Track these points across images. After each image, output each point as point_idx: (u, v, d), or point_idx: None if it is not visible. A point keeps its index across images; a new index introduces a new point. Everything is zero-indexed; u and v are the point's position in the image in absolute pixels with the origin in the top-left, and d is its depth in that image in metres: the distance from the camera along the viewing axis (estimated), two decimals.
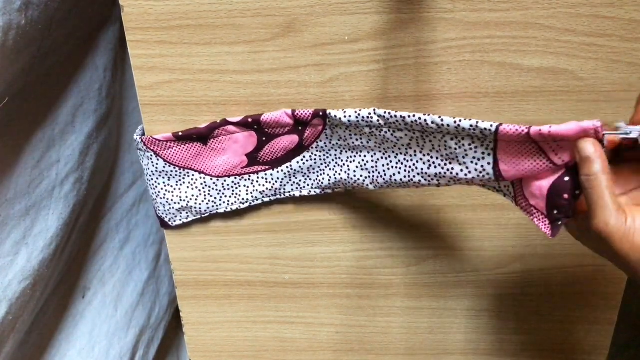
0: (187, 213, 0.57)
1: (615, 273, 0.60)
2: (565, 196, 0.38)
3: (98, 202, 0.71)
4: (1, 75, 0.47)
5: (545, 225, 0.40)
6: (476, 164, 0.41)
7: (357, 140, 0.49)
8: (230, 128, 0.52)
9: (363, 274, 0.62)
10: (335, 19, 0.48)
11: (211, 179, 0.55)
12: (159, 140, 0.52)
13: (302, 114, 0.50)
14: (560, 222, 0.39)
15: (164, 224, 0.58)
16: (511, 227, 0.58)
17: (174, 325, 0.92)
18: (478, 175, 0.42)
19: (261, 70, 0.50)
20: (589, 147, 0.36)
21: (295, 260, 0.61)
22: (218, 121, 0.52)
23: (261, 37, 0.49)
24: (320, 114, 0.49)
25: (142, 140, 0.53)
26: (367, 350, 0.67)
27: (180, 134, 0.52)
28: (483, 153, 0.41)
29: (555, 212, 0.39)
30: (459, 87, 0.51)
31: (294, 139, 0.52)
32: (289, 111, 0.51)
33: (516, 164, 0.39)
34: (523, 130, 0.38)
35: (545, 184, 0.39)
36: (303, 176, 0.54)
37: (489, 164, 0.41)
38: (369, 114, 0.46)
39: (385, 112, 0.45)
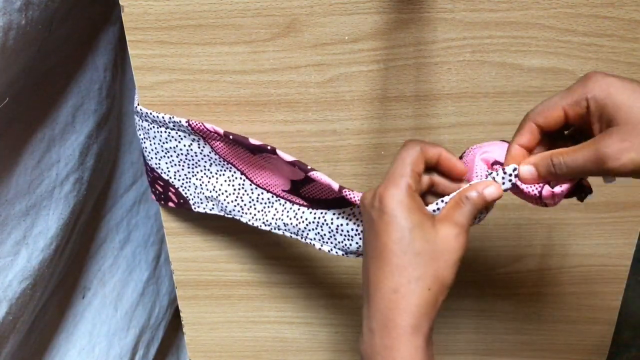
0: (212, 204, 0.56)
1: (615, 273, 0.60)
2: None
3: (98, 202, 0.71)
4: (1, 75, 0.47)
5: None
6: None
7: None
8: (278, 157, 0.49)
9: None
10: (335, 19, 0.48)
11: (250, 185, 0.53)
12: (209, 130, 0.51)
13: (350, 196, 0.46)
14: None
15: (184, 204, 0.56)
16: (511, 227, 0.58)
17: (174, 325, 0.92)
18: None
19: (261, 70, 0.50)
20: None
21: (295, 260, 0.61)
22: (269, 147, 0.49)
23: (261, 37, 0.49)
24: None
25: (189, 124, 0.51)
26: None
27: (231, 137, 0.50)
28: None
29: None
30: (459, 87, 0.51)
31: (337, 195, 0.49)
32: (336, 186, 0.46)
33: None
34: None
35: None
36: (330, 231, 0.51)
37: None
38: None
39: None
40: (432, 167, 0.40)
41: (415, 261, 0.35)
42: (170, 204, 0.57)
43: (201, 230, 0.60)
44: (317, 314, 0.65)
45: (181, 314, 0.65)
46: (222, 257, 0.61)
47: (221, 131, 0.50)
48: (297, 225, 0.52)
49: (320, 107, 0.52)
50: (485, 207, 0.38)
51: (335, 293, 0.63)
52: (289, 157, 0.49)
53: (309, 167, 0.48)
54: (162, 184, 0.56)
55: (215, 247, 0.61)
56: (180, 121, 0.51)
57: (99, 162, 0.67)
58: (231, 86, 0.51)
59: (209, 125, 0.51)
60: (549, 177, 0.37)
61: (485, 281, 0.62)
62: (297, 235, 0.53)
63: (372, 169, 0.55)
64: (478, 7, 0.47)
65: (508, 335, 0.65)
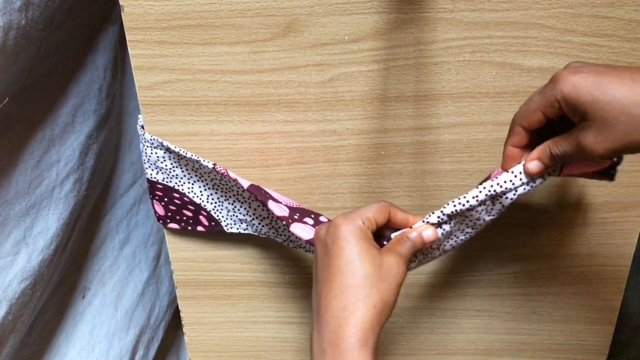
0: (246, 225, 0.56)
1: (615, 273, 0.60)
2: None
3: (98, 202, 0.71)
4: (1, 75, 0.47)
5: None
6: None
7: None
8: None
9: None
10: (335, 19, 0.48)
11: None
12: (231, 178, 0.52)
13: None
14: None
15: (216, 226, 0.57)
16: (511, 227, 0.58)
17: (174, 325, 0.92)
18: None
19: (261, 70, 0.50)
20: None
21: (295, 260, 0.61)
22: (285, 222, 0.49)
23: (261, 37, 0.49)
24: None
25: (215, 169, 0.52)
26: None
27: (255, 195, 0.51)
28: None
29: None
30: (459, 87, 0.51)
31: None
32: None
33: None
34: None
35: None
36: None
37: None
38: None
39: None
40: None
41: (363, 282, 0.39)
42: (200, 227, 0.58)
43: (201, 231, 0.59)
44: None
45: (181, 314, 0.65)
46: (222, 257, 0.61)
47: (246, 185, 0.51)
48: None
49: (320, 107, 0.52)
50: (422, 246, 0.44)
51: None
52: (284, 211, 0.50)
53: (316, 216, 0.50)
54: (192, 208, 0.57)
55: (215, 247, 0.61)
56: (207, 165, 0.52)
57: (99, 162, 0.67)
58: (231, 86, 0.51)
59: (232, 175, 0.52)
60: (553, 164, 0.41)
61: (485, 281, 0.62)
62: None
63: (372, 169, 0.55)
64: (478, 7, 0.47)
65: (508, 335, 0.65)
